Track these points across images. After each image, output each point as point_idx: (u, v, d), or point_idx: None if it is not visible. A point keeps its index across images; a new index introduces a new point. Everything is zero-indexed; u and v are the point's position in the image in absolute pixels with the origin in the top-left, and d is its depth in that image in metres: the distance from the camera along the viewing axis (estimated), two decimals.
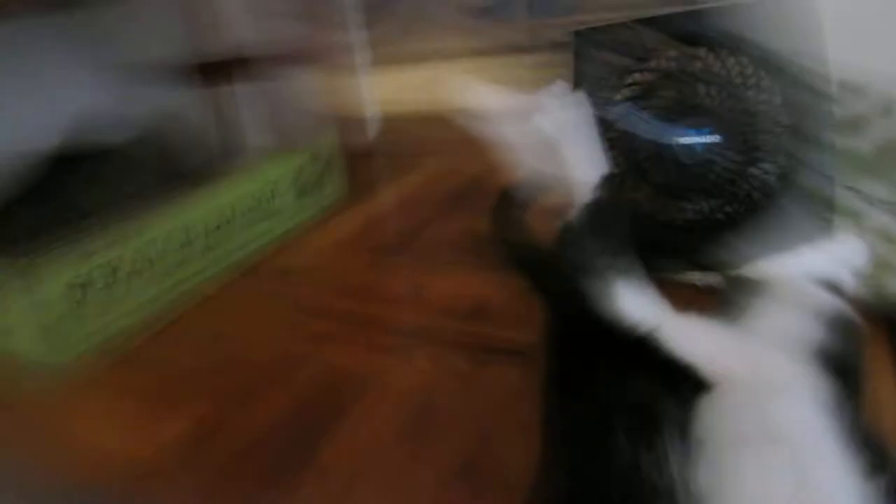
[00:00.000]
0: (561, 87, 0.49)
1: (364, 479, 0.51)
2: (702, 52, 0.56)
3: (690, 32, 0.56)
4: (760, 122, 0.58)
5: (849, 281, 0.46)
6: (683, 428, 0.31)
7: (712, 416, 0.32)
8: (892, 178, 0.71)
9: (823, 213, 0.61)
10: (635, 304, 0.39)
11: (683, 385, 0.34)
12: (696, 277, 0.62)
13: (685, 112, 0.57)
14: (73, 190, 0.93)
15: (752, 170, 0.60)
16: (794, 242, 0.56)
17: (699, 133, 0.59)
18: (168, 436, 0.57)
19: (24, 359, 0.68)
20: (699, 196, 0.64)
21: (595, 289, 0.39)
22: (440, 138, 1.30)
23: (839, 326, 0.38)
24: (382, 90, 1.50)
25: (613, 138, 0.60)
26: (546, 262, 0.46)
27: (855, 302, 0.41)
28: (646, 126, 0.57)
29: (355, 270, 0.89)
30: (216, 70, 1.28)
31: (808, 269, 0.46)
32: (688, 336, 0.36)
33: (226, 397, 0.63)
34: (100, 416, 0.63)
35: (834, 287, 0.43)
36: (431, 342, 0.69)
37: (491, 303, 0.75)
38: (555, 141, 0.45)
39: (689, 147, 0.60)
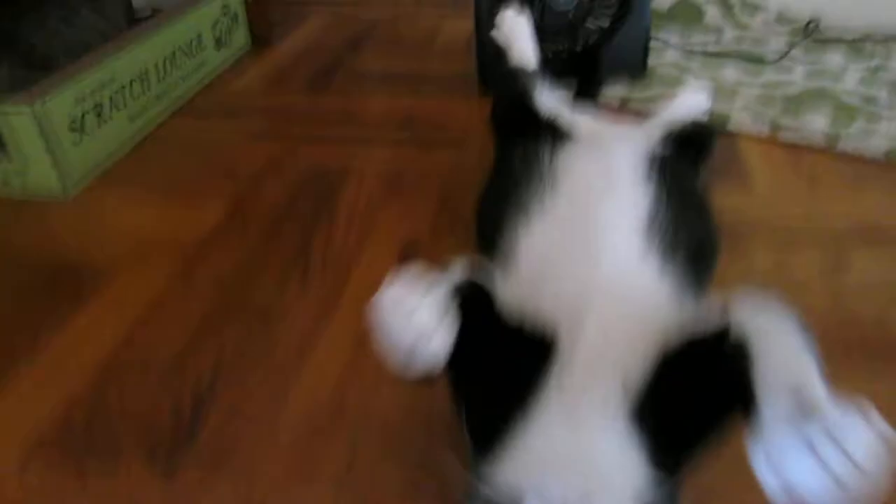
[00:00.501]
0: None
1: (370, 217, 0.77)
2: None
3: None
4: None
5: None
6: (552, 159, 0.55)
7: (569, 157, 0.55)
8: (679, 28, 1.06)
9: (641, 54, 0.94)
10: (545, 100, 0.67)
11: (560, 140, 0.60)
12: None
13: None
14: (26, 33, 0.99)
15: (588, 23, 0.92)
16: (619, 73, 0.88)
17: None
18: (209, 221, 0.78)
19: (39, 190, 0.82)
20: (556, 37, 0.93)
21: (524, 90, 0.67)
22: None
23: (695, 125, 0.63)
24: None
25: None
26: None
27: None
28: None
29: (290, 103, 1.08)
30: None
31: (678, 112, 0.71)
32: (573, 117, 0.65)
33: (238, 190, 0.83)
34: (133, 213, 0.80)
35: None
36: (381, 144, 0.93)
37: (419, 114, 1.00)
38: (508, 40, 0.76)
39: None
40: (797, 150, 0.84)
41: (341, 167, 0.87)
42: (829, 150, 0.83)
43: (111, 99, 0.91)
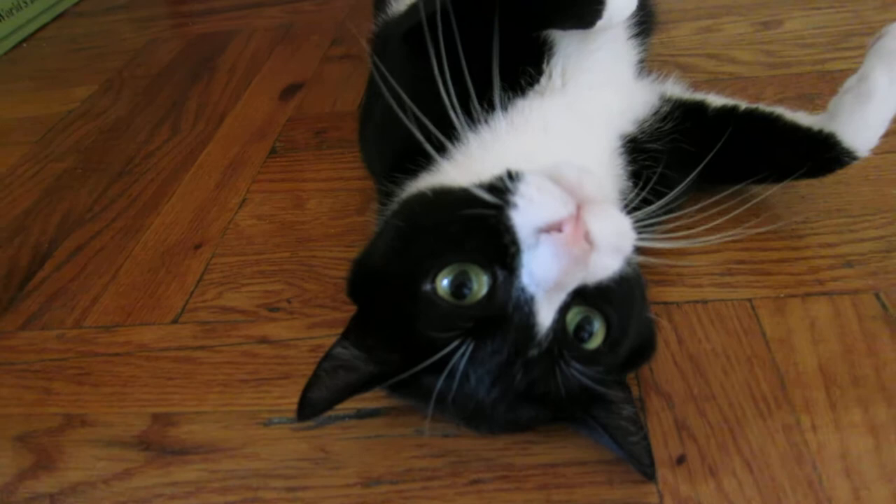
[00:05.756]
0: None
1: (253, 68, 0.69)
2: None
3: None
4: None
5: None
6: None
7: None
8: None
9: None
10: None
11: None
12: None
13: None
14: None
15: None
16: None
17: None
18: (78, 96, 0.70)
19: None
20: None
21: None
22: None
23: None
24: None
25: None
26: None
27: None
28: None
29: None
30: None
31: None
32: None
33: (115, 67, 0.76)
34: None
35: None
36: (274, 3, 0.84)
37: None
38: None
39: None
40: None
41: (229, 30, 0.79)
42: None
43: None
